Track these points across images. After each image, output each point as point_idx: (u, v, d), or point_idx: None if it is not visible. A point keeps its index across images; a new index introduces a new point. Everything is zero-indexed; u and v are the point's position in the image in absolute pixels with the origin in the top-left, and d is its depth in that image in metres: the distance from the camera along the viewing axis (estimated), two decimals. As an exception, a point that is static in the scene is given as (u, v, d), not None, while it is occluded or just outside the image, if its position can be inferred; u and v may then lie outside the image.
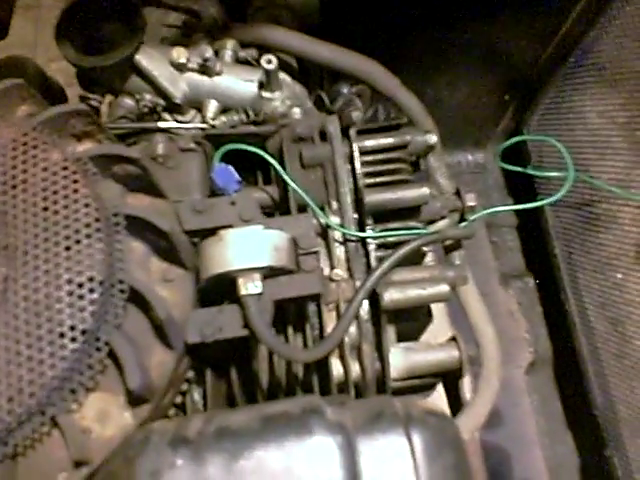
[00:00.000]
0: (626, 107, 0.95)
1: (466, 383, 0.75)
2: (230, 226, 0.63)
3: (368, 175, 0.77)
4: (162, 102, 0.89)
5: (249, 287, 0.58)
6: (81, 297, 0.51)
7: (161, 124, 0.85)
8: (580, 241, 1.04)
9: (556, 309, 1.14)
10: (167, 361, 0.58)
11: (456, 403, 0.78)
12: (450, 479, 0.49)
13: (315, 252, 0.65)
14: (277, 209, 0.83)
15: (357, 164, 0.77)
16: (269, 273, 0.61)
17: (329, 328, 0.70)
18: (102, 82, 0.89)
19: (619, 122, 0.96)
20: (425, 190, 0.72)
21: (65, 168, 0.56)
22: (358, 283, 0.71)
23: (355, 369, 0.72)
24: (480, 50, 1.18)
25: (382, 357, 0.72)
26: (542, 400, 1.17)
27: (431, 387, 0.80)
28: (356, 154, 0.77)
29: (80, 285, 0.51)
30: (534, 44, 1.16)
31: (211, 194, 0.81)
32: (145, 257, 0.62)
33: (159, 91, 0.87)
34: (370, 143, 0.78)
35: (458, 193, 0.78)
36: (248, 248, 0.59)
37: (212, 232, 0.63)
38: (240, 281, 0.59)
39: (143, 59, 0.85)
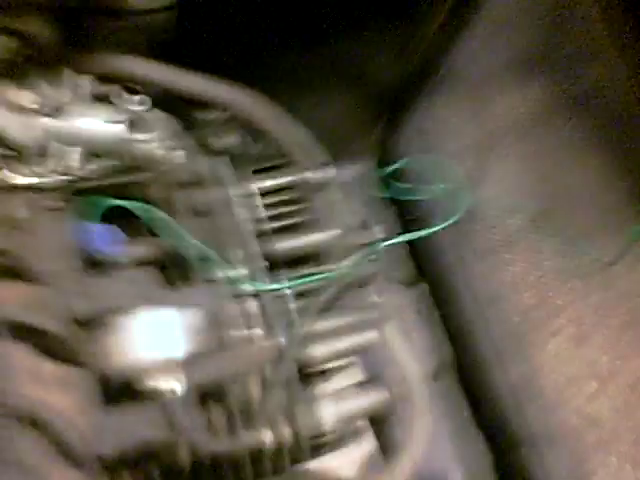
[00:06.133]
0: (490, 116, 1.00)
1: (397, 422, 0.73)
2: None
3: (272, 218, 0.71)
4: (10, 153, 0.75)
5: (168, 382, 0.50)
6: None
7: (19, 181, 0.72)
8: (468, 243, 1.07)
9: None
10: (77, 485, 0.48)
11: (386, 442, 0.76)
12: None
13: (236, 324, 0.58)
14: (169, 262, 0.74)
15: (259, 208, 0.71)
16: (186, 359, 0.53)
17: (254, 392, 0.64)
18: None
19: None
20: (337, 232, 0.68)
21: None
22: (280, 339, 0.65)
23: (287, 433, 0.67)
24: (348, 67, 1.17)
25: (313, 415, 0.67)
26: (449, 405, 1.19)
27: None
28: (257, 198, 0.71)
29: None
30: (398, 60, 1.17)
31: (86, 258, 0.70)
32: (34, 362, 0.51)
33: (6, 143, 0.74)
34: (269, 184, 0.73)
35: (364, 225, 0.75)
36: (161, 334, 0.51)
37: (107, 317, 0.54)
38: (156, 376, 0.50)
39: (-20, 106, 0.71)
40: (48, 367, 0.52)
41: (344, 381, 0.71)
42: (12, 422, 0.44)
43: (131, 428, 0.50)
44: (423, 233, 0.76)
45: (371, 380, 0.73)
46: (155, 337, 0.50)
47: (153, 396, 0.51)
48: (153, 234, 0.78)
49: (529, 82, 1.00)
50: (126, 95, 0.78)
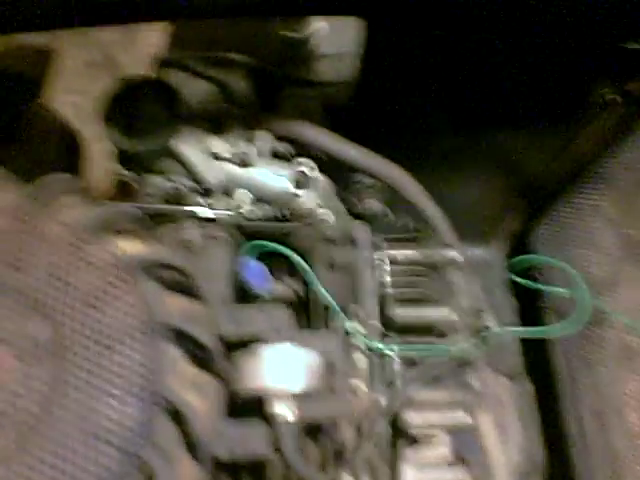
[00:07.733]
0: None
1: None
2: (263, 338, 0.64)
3: (395, 286, 0.79)
4: (197, 186, 0.91)
5: (283, 409, 0.59)
6: (126, 414, 0.51)
7: (195, 209, 0.86)
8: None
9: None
10: (196, 477, 0.58)
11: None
12: None
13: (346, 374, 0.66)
14: (299, 304, 0.84)
15: (386, 275, 0.79)
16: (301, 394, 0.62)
17: (346, 440, 0.71)
18: (139, 161, 0.91)
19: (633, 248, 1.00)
20: (453, 316, 0.75)
21: (116, 271, 0.57)
22: (379, 397, 0.72)
23: (367, 485, 0.73)
24: (497, 157, 1.22)
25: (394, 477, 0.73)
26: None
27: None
28: (386, 265, 0.79)
29: (124, 401, 0.52)
30: (546, 156, 1.21)
31: (240, 287, 0.82)
32: (176, 361, 0.63)
33: (193, 176, 0.89)
34: (400, 255, 0.81)
35: (478, 310, 0.81)
36: (286, 367, 0.60)
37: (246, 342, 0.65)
38: (274, 401, 0.59)
39: (181, 145, 0.87)
40: (193, 372, 0.63)
41: (431, 454, 0.75)
42: (159, 409, 0.55)
43: (246, 440, 0.59)
44: (533, 331, 0.79)
45: (457, 461, 0.77)
46: (280, 368, 0.60)
47: (268, 418, 0.60)
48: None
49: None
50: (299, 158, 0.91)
